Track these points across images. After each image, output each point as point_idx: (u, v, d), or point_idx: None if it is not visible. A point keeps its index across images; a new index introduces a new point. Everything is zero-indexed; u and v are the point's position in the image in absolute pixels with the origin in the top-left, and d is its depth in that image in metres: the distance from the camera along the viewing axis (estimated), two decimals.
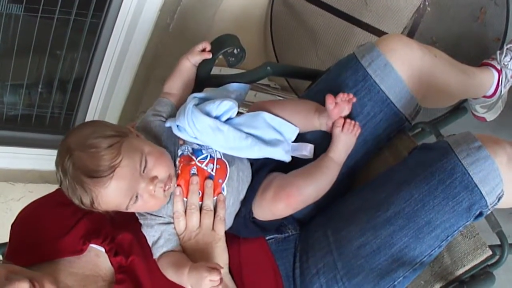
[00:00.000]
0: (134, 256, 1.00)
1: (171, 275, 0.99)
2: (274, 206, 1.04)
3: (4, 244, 1.14)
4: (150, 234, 1.03)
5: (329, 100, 1.05)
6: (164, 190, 0.98)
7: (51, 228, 1.02)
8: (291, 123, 1.10)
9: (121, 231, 1.04)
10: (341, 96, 1.05)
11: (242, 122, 1.08)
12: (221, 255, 1.04)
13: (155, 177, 0.96)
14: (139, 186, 0.95)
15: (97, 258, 1.00)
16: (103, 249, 1.00)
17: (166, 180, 0.98)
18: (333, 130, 1.09)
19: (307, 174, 1.06)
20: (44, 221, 1.04)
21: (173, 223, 1.03)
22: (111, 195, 0.93)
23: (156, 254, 1.02)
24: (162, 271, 1.01)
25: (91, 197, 0.93)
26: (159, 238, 1.02)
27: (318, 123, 1.11)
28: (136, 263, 1.00)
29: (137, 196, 0.96)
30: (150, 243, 1.03)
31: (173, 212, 1.03)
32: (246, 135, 1.06)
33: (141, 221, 1.04)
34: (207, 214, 1.03)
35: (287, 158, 1.09)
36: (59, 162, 0.94)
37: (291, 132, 1.10)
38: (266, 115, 1.09)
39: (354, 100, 1.07)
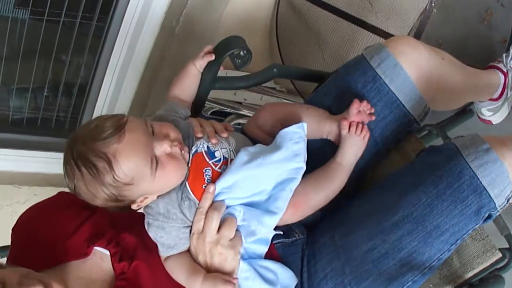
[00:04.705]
0: (137, 261, 0.99)
1: (180, 278, 0.99)
2: None
3: (8, 247, 1.14)
4: (159, 234, 1.00)
5: (356, 104, 1.06)
6: (181, 150, 0.96)
7: (53, 231, 1.01)
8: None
9: (125, 234, 1.03)
10: (365, 105, 1.07)
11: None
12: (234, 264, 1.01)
13: (167, 135, 0.96)
14: (153, 146, 0.93)
15: (102, 261, 1.00)
16: (107, 252, 1.00)
17: (179, 140, 0.97)
18: (340, 134, 1.09)
19: (315, 181, 1.07)
20: (46, 225, 1.03)
21: (188, 226, 1.00)
22: (128, 151, 0.89)
23: (164, 253, 1.01)
24: (168, 271, 1.00)
25: (108, 161, 0.88)
26: (171, 240, 1.00)
27: (327, 130, 1.11)
28: (139, 268, 0.99)
29: (156, 161, 0.93)
30: (157, 242, 1.00)
31: (198, 207, 0.98)
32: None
33: (150, 221, 1.00)
34: (231, 224, 0.99)
35: None
36: (67, 157, 0.91)
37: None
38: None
39: (373, 118, 1.09)
